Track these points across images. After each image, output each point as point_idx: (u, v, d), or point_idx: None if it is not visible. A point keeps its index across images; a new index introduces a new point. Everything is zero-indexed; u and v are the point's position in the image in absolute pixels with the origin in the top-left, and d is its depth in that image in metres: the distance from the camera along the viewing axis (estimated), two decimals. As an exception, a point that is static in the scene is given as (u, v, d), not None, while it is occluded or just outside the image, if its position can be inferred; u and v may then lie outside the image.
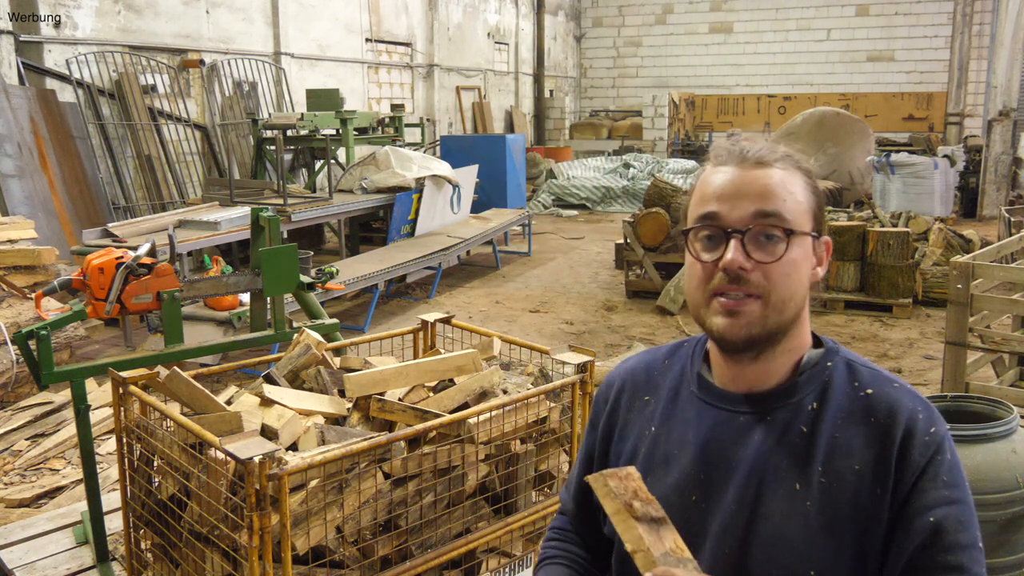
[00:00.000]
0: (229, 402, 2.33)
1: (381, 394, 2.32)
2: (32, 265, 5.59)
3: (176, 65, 9.87)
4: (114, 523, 3.11)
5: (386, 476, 2.10)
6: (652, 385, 1.34)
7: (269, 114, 10.78)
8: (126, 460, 2.36)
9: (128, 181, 8.97)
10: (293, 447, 2.18)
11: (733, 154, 1.21)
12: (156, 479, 2.27)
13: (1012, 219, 7.68)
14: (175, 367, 2.30)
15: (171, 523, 2.17)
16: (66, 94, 8.39)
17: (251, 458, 1.78)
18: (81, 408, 2.85)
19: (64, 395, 4.58)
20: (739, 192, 1.17)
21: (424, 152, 10.56)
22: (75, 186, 8.00)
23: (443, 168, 9.20)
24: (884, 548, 1.12)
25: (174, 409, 2.24)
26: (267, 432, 2.15)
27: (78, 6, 8.69)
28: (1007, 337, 4.14)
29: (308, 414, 2.30)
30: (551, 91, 20.07)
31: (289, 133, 9.48)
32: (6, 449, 4.25)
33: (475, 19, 17.15)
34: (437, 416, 2.19)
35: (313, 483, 1.97)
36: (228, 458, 1.85)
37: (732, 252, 1.14)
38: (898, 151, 12.86)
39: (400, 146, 10.04)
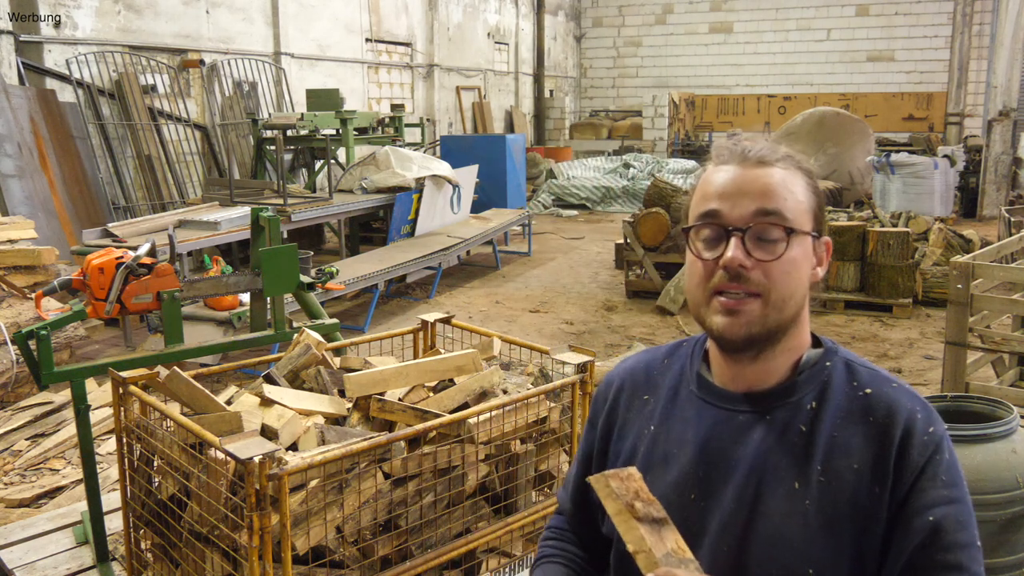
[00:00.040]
0: (229, 402, 2.33)
1: (381, 394, 2.32)
2: (32, 265, 5.59)
3: (176, 65, 9.87)
4: (114, 523, 3.11)
5: (386, 476, 2.10)
6: (651, 384, 1.34)
7: (269, 114, 10.78)
8: (126, 460, 2.36)
9: (128, 181, 8.97)
10: (293, 447, 2.18)
11: (735, 153, 1.21)
12: (156, 479, 2.27)
13: (1012, 219, 7.68)
14: (175, 367, 2.30)
15: (171, 523, 2.17)
16: (66, 94, 8.39)
17: (251, 458, 1.78)
18: (81, 408, 2.85)
19: (64, 395, 4.58)
20: (740, 191, 1.18)
21: (424, 152, 10.56)
22: (75, 186, 8.00)
23: (443, 168, 9.20)
24: (883, 547, 1.12)
25: (174, 409, 2.24)
26: (267, 432, 2.15)
27: (78, 6, 8.69)
28: (1007, 337, 4.14)
29: (308, 414, 2.30)
30: (551, 91, 20.07)
31: (289, 133, 9.48)
32: (6, 449, 4.25)
33: (475, 19, 17.15)
34: (437, 416, 2.19)
35: (313, 483, 1.97)
36: (228, 458, 1.85)
37: (732, 250, 1.15)
38: (898, 151, 12.86)
39: (400, 146, 10.05)
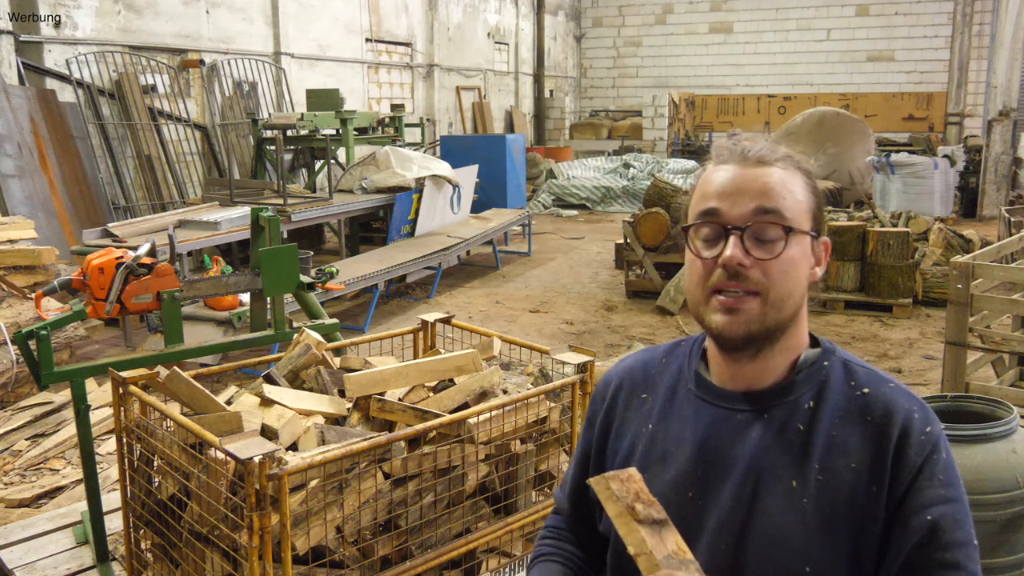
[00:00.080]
0: (229, 402, 2.33)
1: (381, 394, 2.32)
2: (32, 265, 5.59)
3: (176, 65, 9.87)
4: (114, 523, 3.11)
5: (386, 476, 2.10)
6: (650, 383, 1.35)
7: (269, 114, 10.78)
8: (126, 460, 2.36)
9: (128, 181, 8.97)
10: (293, 447, 2.18)
11: (734, 153, 1.22)
12: (156, 479, 2.27)
13: (1012, 219, 7.68)
14: (175, 367, 2.30)
15: (171, 523, 2.17)
16: (66, 94, 8.39)
17: (251, 458, 1.78)
18: (81, 408, 2.85)
19: (64, 395, 4.58)
20: (739, 189, 1.18)
21: (424, 152, 10.56)
22: (75, 186, 8.00)
23: (443, 168, 9.20)
24: (880, 546, 1.13)
25: (174, 409, 2.24)
26: (267, 432, 2.15)
27: (78, 6, 8.69)
28: (1007, 337, 4.14)
29: (308, 414, 2.30)
30: (551, 91, 20.07)
31: (289, 133, 9.48)
32: (6, 449, 4.25)
33: (475, 19, 17.16)
34: (437, 416, 2.19)
35: (313, 483, 1.97)
36: (228, 458, 1.85)
37: (731, 248, 1.15)
38: (898, 151, 12.86)
39: (400, 146, 10.04)
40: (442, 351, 2.76)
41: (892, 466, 1.13)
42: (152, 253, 2.99)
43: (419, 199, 8.70)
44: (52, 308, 4.46)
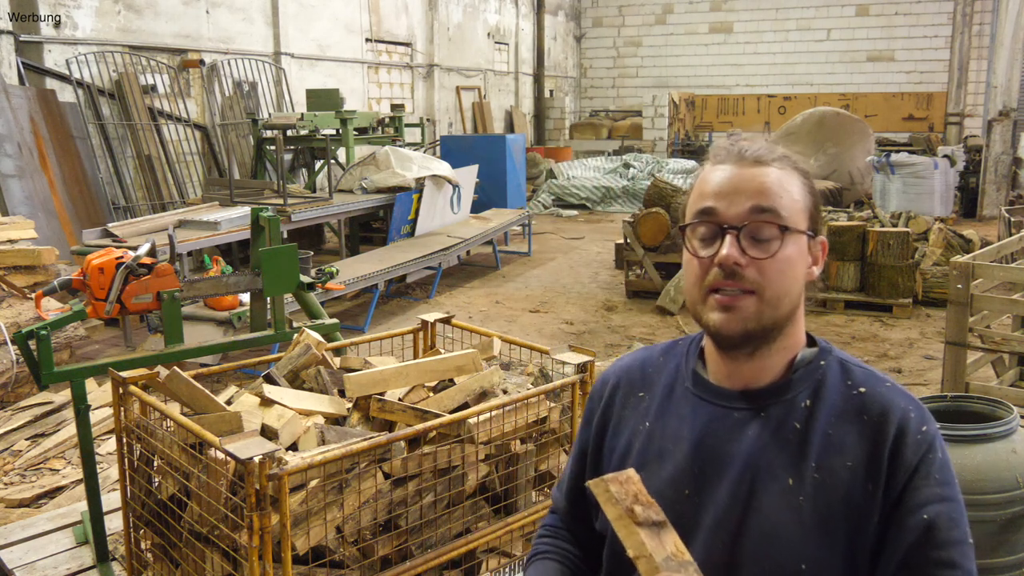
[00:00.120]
0: (229, 402, 2.33)
1: (381, 394, 2.32)
2: (32, 265, 5.59)
3: (176, 65, 9.87)
4: (114, 523, 3.11)
5: (386, 476, 2.10)
6: (647, 382, 1.35)
7: (269, 114, 10.78)
8: (126, 460, 2.36)
9: (128, 181, 8.97)
10: (293, 447, 2.18)
11: (732, 153, 1.23)
12: (156, 479, 2.27)
13: (1012, 219, 7.68)
14: (175, 367, 2.30)
15: (171, 523, 2.17)
16: (66, 94, 8.39)
17: (251, 458, 1.78)
18: (81, 408, 2.85)
19: (64, 395, 4.58)
20: (736, 189, 1.19)
21: (424, 152, 10.56)
22: (75, 186, 8.00)
23: (443, 168, 9.20)
24: (876, 544, 1.13)
25: (174, 409, 2.24)
26: (267, 432, 2.15)
27: (78, 6, 8.69)
28: (1007, 337, 4.14)
29: (308, 414, 2.30)
30: (551, 91, 20.07)
31: (289, 133, 9.48)
32: (6, 449, 4.25)
33: (475, 19, 17.16)
34: (437, 416, 2.19)
35: (313, 483, 1.97)
36: (228, 458, 1.85)
37: (727, 247, 1.16)
38: (898, 151, 12.86)
39: (400, 146, 10.04)
40: (442, 351, 2.76)
41: (888, 465, 1.14)
42: (152, 253, 2.99)
43: (419, 199, 8.70)
44: (52, 308, 4.46)
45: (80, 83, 8.56)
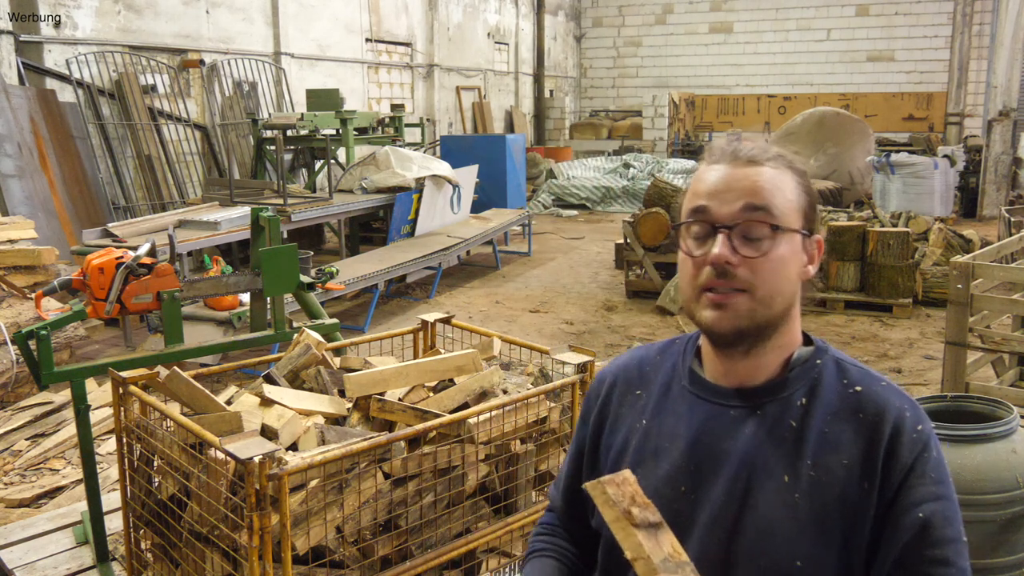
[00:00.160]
0: (229, 402, 2.33)
1: (381, 394, 2.32)
2: (32, 265, 5.59)
3: (176, 65, 9.87)
4: (114, 523, 3.11)
5: (386, 476, 2.10)
6: (644, 380, 1.36)
7: (269, 114, 10.78)
8: (126, 460, 2.36)
9: (128, 181, 8.97)
10: (293, 447, 2.18)
11: (726, 153, 1.24)
12: (156, 479, 2.27)
13: (1012, 219, 7.68)
14: (175, 367, 2.30)
15: (171, 523, 2.17)
16: (66, 94, 8.39)
17: (251, 458, 1.78)
18: (81, 408, 2.85)
19: (64, 395, 4.58)
20: (728, 188, 1.20)
21: (424, 152, 10.56)
22: (75, 186, 8.00)
23: (443, 168, 9.20)
24: (871, 541, 1.14)
25: (174, 409, 2.24)
26: (267, 432, 2.15)
27: (78, 6, 8.69)
28: (1007, 337, 4.14)
29: (308, 414, 2.30)
30: (551, 91, 20.07)
31: (289, 133, 9.48)
32: (6, 449, 4.25)
33: (475, 19, 17.15)
34: (437, 416, 2.19)
35: (313, 483, 1.97)
36: (228, 458, 1.85)
37: (719, 247, 1.17)
38: (898, 151, 12.86)
39: (400, 146, 10.04)
40: (442, 351, 2.76)
41: (884, 463, 1.15)
42: (152, 253, 2.99)
43: (419, 199, 8.70)
44: (52, 308, 4.46)
45: (80, 83, 8.56)
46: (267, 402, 2.26)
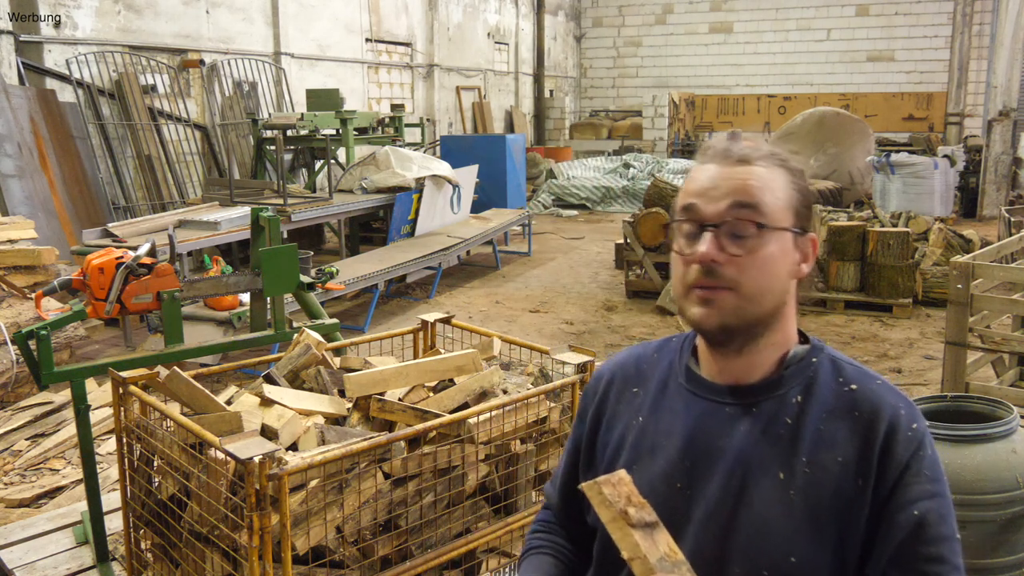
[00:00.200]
0: (229, 402, 2.33)
1: (381, 394, 2.32)
2: (32, 265, 5.59)
3: (176, 65, 9.87)
4: (114, 523, 3.11)
5: (386, 476, 2.10)
6: (641, 377, 1.37)
7: (269, 114, 10.78)
8: (126, 460, 2.36)
9: (128, 181, 8.97)
10: (293, 447, 2.18)
11: (718, 152, 1.25)
12: (156, 479, 2.27)
13: (1012, 219, 7.68)
14: (175, 367, 2.30)
15: (171, 523, 2.17)
16: (66, 94, 8.39)
17: (251, 458, 1.78)
18: (81, 408, 2.85)
19: (64, 395, 4.58)
20: (716, 187, 1.20)
21: (424, 152, 10.56)
22: (75, 186, 8.00)
23: (443, 168, 9.20)
24: (866, 539, 1.15)
25: (174, 409, 2.24)
26: (267, 432, 2.15)
27: (78, 6, 8.69)
28: (1007, 337, 4.14)
29: (308, 414, 2.30)
30: (551, 91, 20.07)
31: (289, 133, 9.48)
32: (6, 449, 4.25)
33: (475, 19, 17.15)
34: (437, 416, 2.19)
35: (313, 483, 1.97)
36: (228, 458, 1.85)
37: (704, 245, 1.17)
38: (898, 151, 12.85)
39: (400, 146, 10.04)
40: (442, 351, 2.76)
41: (879, 461, 1.15)
42: (152, 253, 3.00)
43: (419, 199, 8.70)
44: (52, 308, 4.46)
45: (80, 83, 8.56)
46: (267, 402, 2.26)
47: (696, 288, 1.19)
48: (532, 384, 2.60)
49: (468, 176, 9.82)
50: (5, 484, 3.91)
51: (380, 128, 11.06)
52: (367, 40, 13.70)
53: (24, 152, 7.49)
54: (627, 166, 15.54)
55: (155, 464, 2.27)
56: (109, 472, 3.87)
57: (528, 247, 10.60)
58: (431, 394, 2.41)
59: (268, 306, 3.48)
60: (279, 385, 2.41)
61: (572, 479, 1.41)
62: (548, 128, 19.86)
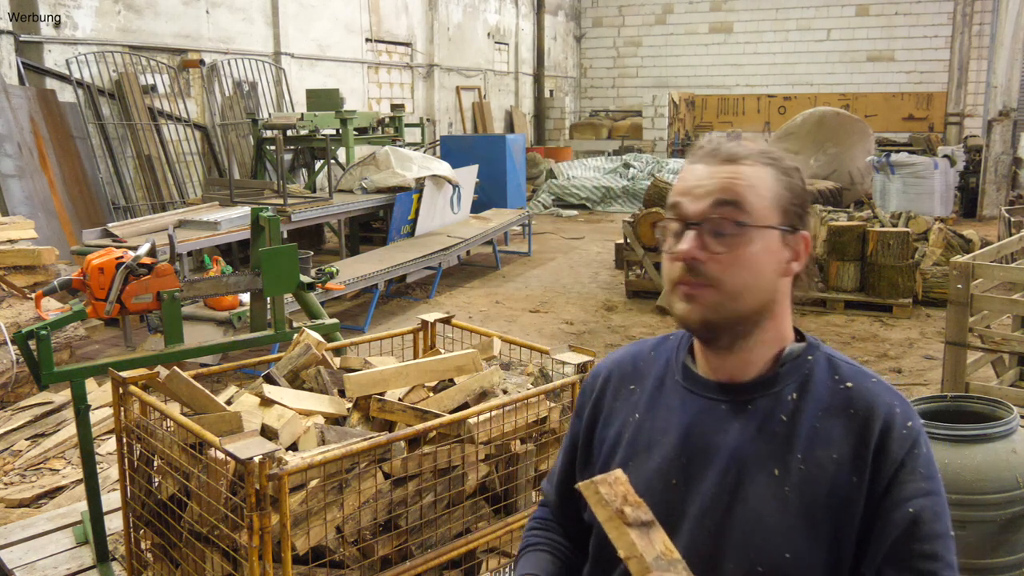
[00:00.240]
0: (229, 402, 2.33)
1: (381, 394, 2.32)
2: (32, 265, 5.59)
3: (176, 65, 9.87)
4: (114, 523, 3.11)
5: (386, 476, 2.10)
6: (638, 375, 1.38)
7: (269, 114, 10.78)
8: (126, 460, 2.36)
9: (128, 181, 8.97)
10: (293, 447, 2.18)
11: (706, 151, 1.25)
12: (156, 479, 2.27)
13: (1012, 219, 7.68)
14: (175, 367, 2.30)
15: (171, 523, 2.17)
16: (66, 94, 8.39)
17: (251, 458, 1.78)
18: (81, 408, 2.85)
19: (64, 395, 4.58)
20: (700, 185, 1.21)
21: (424, 152, 10.56)
22: (75, 186, 8.00)
23: (443, 168, 9.20)
24: (861, 535, 1.16)
25: (174, 409, 2.24)
26: (267, 432, 2.15)
27: (78, 6, 8.69)
28: (1007, 337, 4.14)
29: (308, 414, 2.30)
30: (551, 91, 20.06)
31: (289, 133, 9.48)
32: (6, 449, 4.25)
33: (475, 19, 17.15)
34: (437, 416, 2.19)
35: (313, 483, 1.97)
36: (228, 458, 1.85)
37: (686, 243, 1.19)
38: (898, 151, 12.86)
39: (400, 146, 10.04)
40: (442, 351, 2.76)
41: (874, 459, 1.16)
42: (152, 253, 3.00)
43: (419, 199, 8.70)
44: (52, 308, 4.46)
45: (80, 83, 8.56)
46: (267, 402, 2.26)
47: (680, 284, 1.20)
48: (532, 384, 2.60)
49: (468, 176, 9.82)
50: (5, 484, 3.91)
51: (380, 128, 11.06)
52: (367, 40, 13.70)
53: (24, 152, 7.49)
54: (627, 166, 15.54)
55: (155, 464, 2.27)
56: (109, 472, 3.87)
57: (528, 247, 10.60)
58: (431, 394, 2.41)
59: (268, 306, 3.49)
60: (279, 385, 2.41)
61: (569, 476, 1.42)
62: (548, 128, 19.86)
